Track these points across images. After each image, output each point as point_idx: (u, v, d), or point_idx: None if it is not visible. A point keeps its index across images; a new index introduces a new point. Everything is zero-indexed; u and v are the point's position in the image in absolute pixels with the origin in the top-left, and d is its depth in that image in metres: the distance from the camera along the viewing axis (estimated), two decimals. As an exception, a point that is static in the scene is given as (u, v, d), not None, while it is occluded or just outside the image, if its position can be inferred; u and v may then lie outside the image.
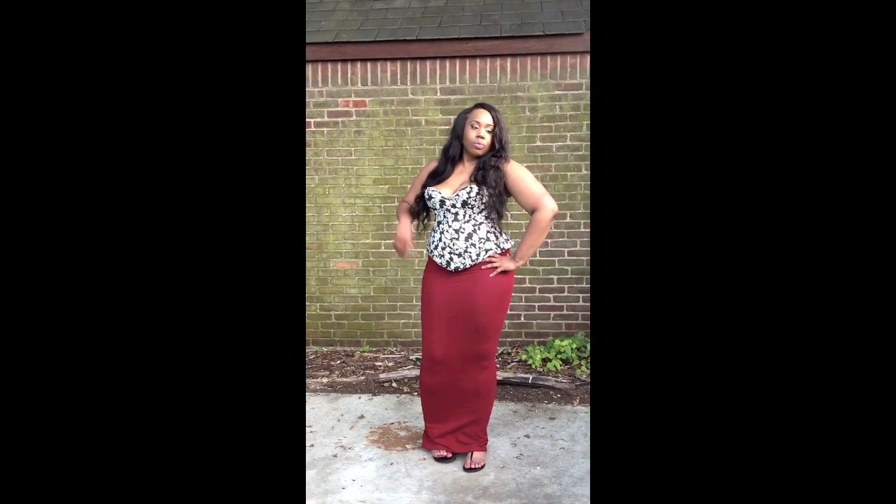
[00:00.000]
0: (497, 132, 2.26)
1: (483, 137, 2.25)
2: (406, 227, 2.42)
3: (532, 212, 2.26)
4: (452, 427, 2.43)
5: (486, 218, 2.27)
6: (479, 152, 2.27)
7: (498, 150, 2.26)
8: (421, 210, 2.41)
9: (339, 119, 3.72)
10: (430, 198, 2.32)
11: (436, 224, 2.36)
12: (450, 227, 2.28)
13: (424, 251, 3.73)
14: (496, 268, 2.27)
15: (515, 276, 3.08)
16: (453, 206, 2.26)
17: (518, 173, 2.26)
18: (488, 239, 2.28)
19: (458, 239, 2.27)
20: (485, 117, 2.26)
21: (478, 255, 2.26)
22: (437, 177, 2.35)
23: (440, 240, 2.31)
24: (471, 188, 2.24)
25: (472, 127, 2.26)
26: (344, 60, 3.66)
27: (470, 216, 2.26)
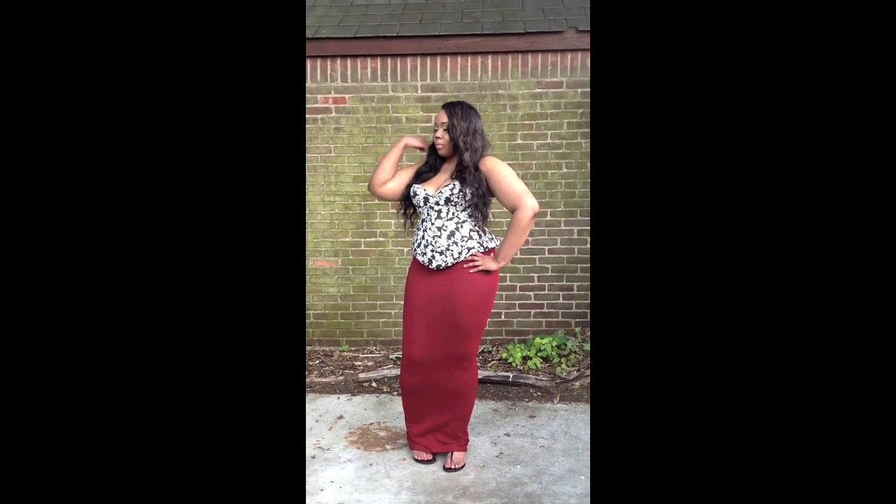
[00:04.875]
0: (451, 130, 2.24)
1: (440, 137, 2.28)
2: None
3: (512, 210, 2.24)
4: (432, 426, 2.42)
5: (470, 216, 2.26)
6: (442, 151, 2.30)
7: (459, 148, 2.23)
8: (408, 207, 2.40)
9: (319, 116, 3.68)
10: (415, 195, 2.31)
11: (420, 222, 2.35)
12: (433, 224, 2.26)
13: (405, 249, 3.70)
14: (477, 266, 2.25)
15: (496, 275, 3.07)
16: (436, 203, 2.25)
17: (499, 171, 2.24)
18: (471, 237, 2.26)
19: (440, 237, 2.25)
20: (440, 115, 2.30)
21: (459, 253, 2.24)
22: (422, 175, 2.35)
23: (423, 237, 2.29)
24: (453, 185, 2.22)
25: (434, 128, 2.30)
26: (324, 57, 3.62)
27: (453, 214, 2.24)
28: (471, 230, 2.26)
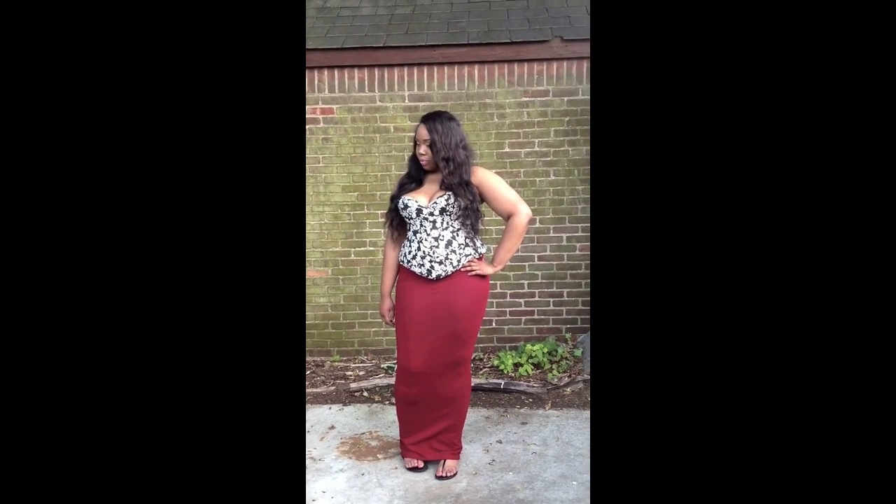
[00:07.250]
0: (433, 147, 2.22)
1: (424, 154, 2.26)
2: (386, 297, 2.45)
3: (507, 217, 2.26)
4: (427, 435, 2.41)
5: (463, 225, 2.26)
6: (427, 167, 2.29)
7: (442, 165, 2.22)
8: (394, 218, 2.36)
9: (307, 126, 3.69)
10: (406, 207, 2.28)
11: (411, 234, 2.31)
12: (428, 235, 2.25)
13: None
14: (474, 270, 2.27)
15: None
16: (431, 213, 2.24)
17: (491, 182, 2.27)
18: (467, 245, 2.27)
19: (437, 247, 2.24)
20: (421, 132, 2.25)
21: (458, 261, 2.26)
22: (405, 187, 2.34)
23: (419, 249, 2.27)
24: (448, 195, 2.22)
25: (416, 144, 2.28)
26: (311, 68, 3.63)
27: (448, 223, 2.25)
28: (466, 238, 2.28)
